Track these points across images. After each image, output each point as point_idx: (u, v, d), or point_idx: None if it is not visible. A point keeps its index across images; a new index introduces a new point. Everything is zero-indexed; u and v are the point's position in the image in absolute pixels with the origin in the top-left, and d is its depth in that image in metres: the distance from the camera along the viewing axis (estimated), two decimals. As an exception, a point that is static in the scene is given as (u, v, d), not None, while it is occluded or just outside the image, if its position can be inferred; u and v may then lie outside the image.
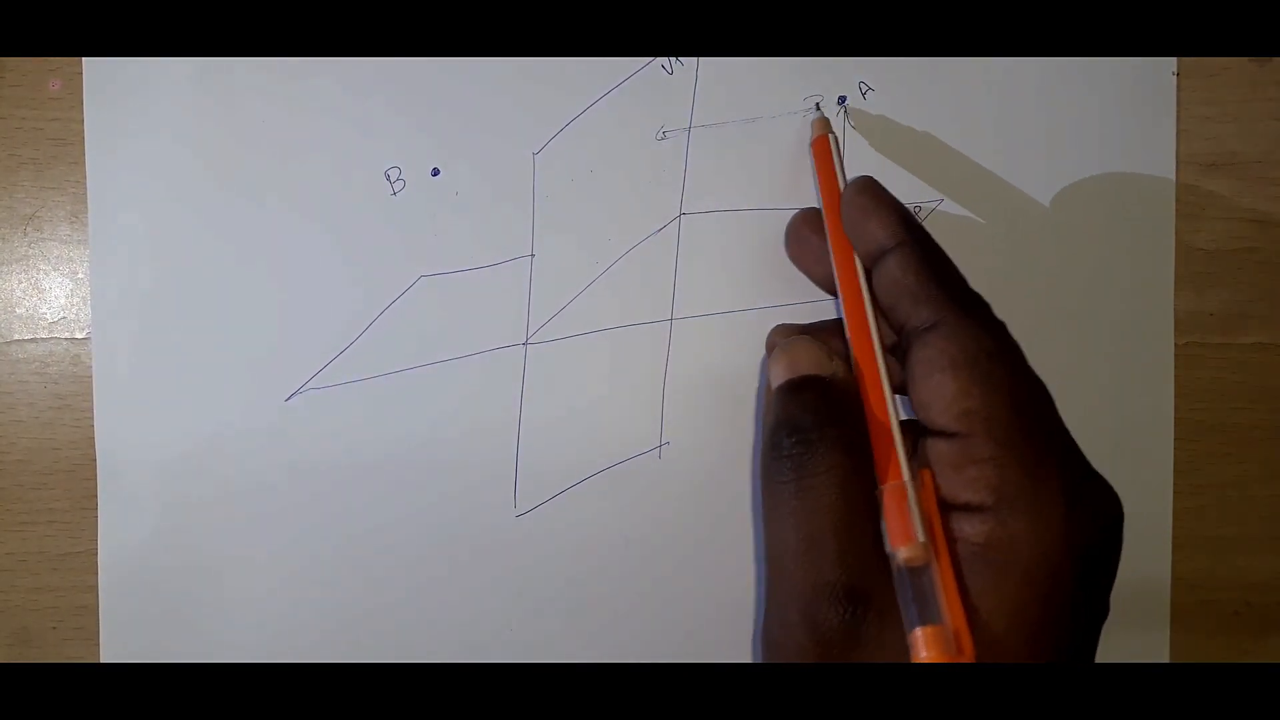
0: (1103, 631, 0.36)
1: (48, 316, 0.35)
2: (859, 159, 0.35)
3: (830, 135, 0.32)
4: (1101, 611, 0.26)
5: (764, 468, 0.27)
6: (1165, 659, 0.36)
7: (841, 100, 0.35)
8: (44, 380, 0.34)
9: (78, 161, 0.34)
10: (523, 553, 0.34)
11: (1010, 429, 0.24)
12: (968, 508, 0.24)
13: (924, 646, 0.23)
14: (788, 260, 0.35)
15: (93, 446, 0.34)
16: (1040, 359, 0.35)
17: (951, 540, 0.24)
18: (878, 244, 0.27)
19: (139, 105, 0.34)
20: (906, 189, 0.35)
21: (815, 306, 0.35)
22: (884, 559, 0.25)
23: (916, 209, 0.35)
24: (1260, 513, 0.36)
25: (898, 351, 0.28)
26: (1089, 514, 0.24)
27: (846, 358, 0.28)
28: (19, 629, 0.35)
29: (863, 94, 0.35)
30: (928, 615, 0.23)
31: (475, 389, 0.34)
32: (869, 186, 0.29)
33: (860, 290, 0.28)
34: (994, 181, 0.35)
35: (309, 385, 0.34)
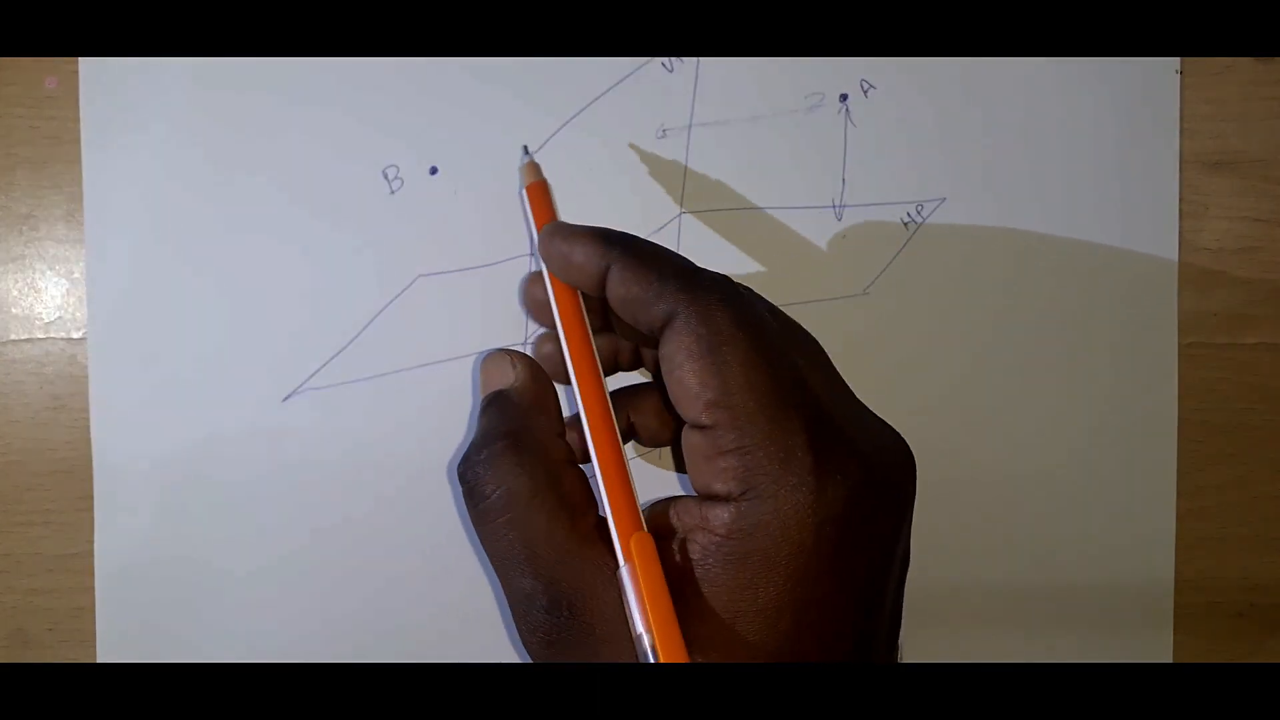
0: (1107, 632, 0.36)
1: (44, 316, 0.34)
2: (861, 158, 0.35)
3: (541, 181, 0.31)
4: (887, 565, 0.26)
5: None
6: (1169, 660, 0.36)
7: (843, 98, 0.35)
8: (40, 380, 0.34)
9: (74, 160, 0.34)
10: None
11: (752, 416, 0.24)
12: (716, 498, 0.25)
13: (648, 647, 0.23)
14: (789, 260, 0.35)
15: (89, 447, 0.34)
16: (1043, 358, 0.35)
17: (704, 532, 0.25)
18: (592, 272, 0.27)
19: (135, 104, 0.34)
20: (908, 188, 0.35)
21: (816, 306, 0.35)
22: (581, 555, 0.25)
23: (918, 207, 0.35)
24: (1264, 513, 0.36)
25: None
26: (838, 480, 0.24)
27: (532, 364, 0.29)
28: (15, 630, 0.35)
29: (864, 92, 0.35)
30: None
31: (475, 389, 0.34)
32: (556, 229, 0.29)
33: (577, 322, 0.28)
34: (996, 180, 0.35)
35: (306, 385, 0.34)
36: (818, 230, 0.35)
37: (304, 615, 0.34)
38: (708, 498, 0.25)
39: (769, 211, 0.35)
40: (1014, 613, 0.36)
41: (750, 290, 0.28)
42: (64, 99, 0.34)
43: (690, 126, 0.34)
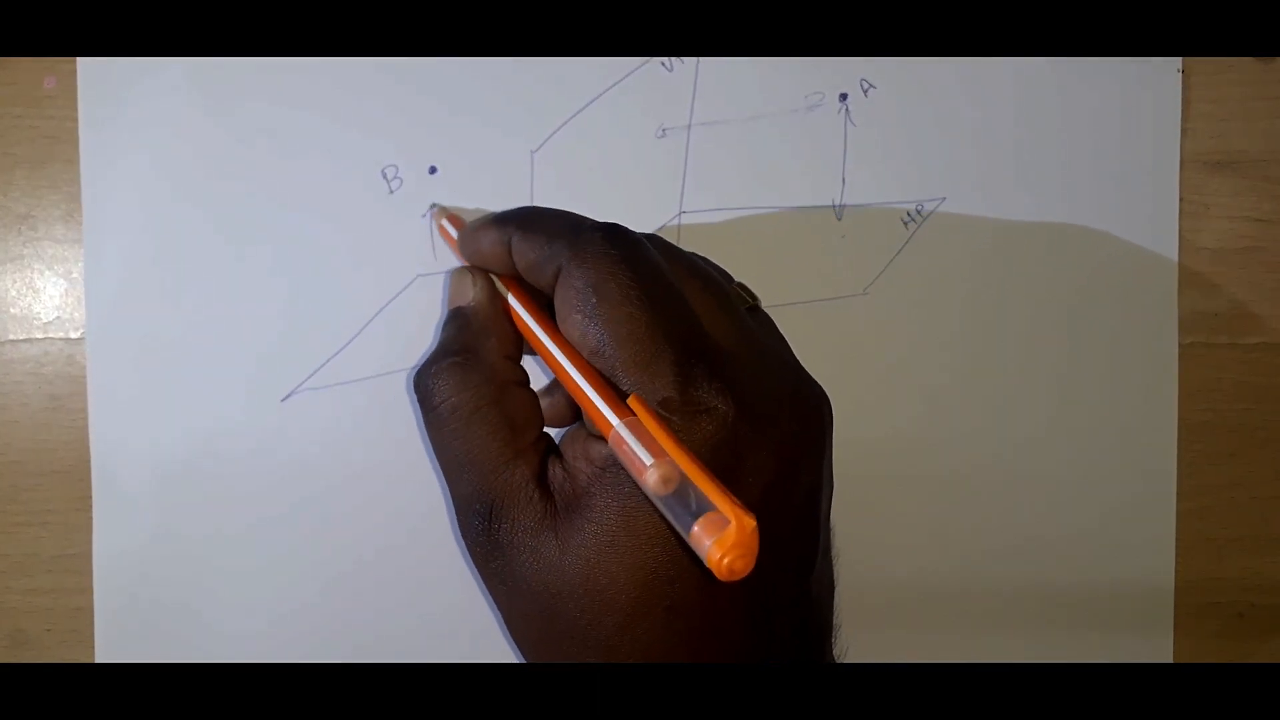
0: (1107, 632, 0.36)
1: (42, 316, 0.34)
2: (862, 156, 0.35)
3: (439, 219, 0.33)
4: (771, 503, 0.26)
5: None
6: (1169, 660, 0.36)
7: (843, 98, 0.35)
8: (39, 381, 0.34)
9: (72, 160, 0.34)
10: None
11: (625, 364, 0.25)
12: (598, 435, 0.26)
13: (703, 537, 0.22)
14: (789, 260, 0.35)
15: (87, 447, 0.34)
16: (1043, 358, 0.35)
17: (586, 462, 0.26)
18: (500, 253, 0.29)
19: (134, 104, 0.33)
20: (908, 187, 0.35)
21: (817, 305, 0.35)
22: (513, 467, 0.27)
23: (918, 207, 0.35)
24: (1265, 514, 0.36)
25: None
26: (703, 421, 0.25)
27: (490, 283, 0.30)
28: (13, 631, 0.35)
29: (864, 91, 0.35)
30: (697, 511, 0.23)
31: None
32: (465, 229, 0.30)
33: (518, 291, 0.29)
34: (997, 179, 0.35)
35: (305, 385, 0.34)
36: (818, 230, 0.35)
37: (302, 616, 0.34)
38: (592, 434, 0.26)
39: (769, 211, 0.35)
40: (1013, 613, 0.35)
41: (652, 236, 0.29)
42: (62, 99, 0.34)
43: (690, 126, 0.34)
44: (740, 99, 0.34)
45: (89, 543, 0.34)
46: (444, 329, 0.29)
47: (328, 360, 0.34)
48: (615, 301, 0.25)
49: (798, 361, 0.29)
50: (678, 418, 0.24)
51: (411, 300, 0.34)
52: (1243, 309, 0.36)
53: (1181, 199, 0.35)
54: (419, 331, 0.34)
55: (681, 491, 0.23)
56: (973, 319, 0.35)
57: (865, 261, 0.35)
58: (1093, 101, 0.35)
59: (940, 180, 0.35)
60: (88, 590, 0.34)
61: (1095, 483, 0.35)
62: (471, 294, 0.29)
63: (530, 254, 0.27)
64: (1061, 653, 0.35)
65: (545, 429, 0.29)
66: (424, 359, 0.28)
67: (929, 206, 0.35)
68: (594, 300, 0.26)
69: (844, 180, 0.35)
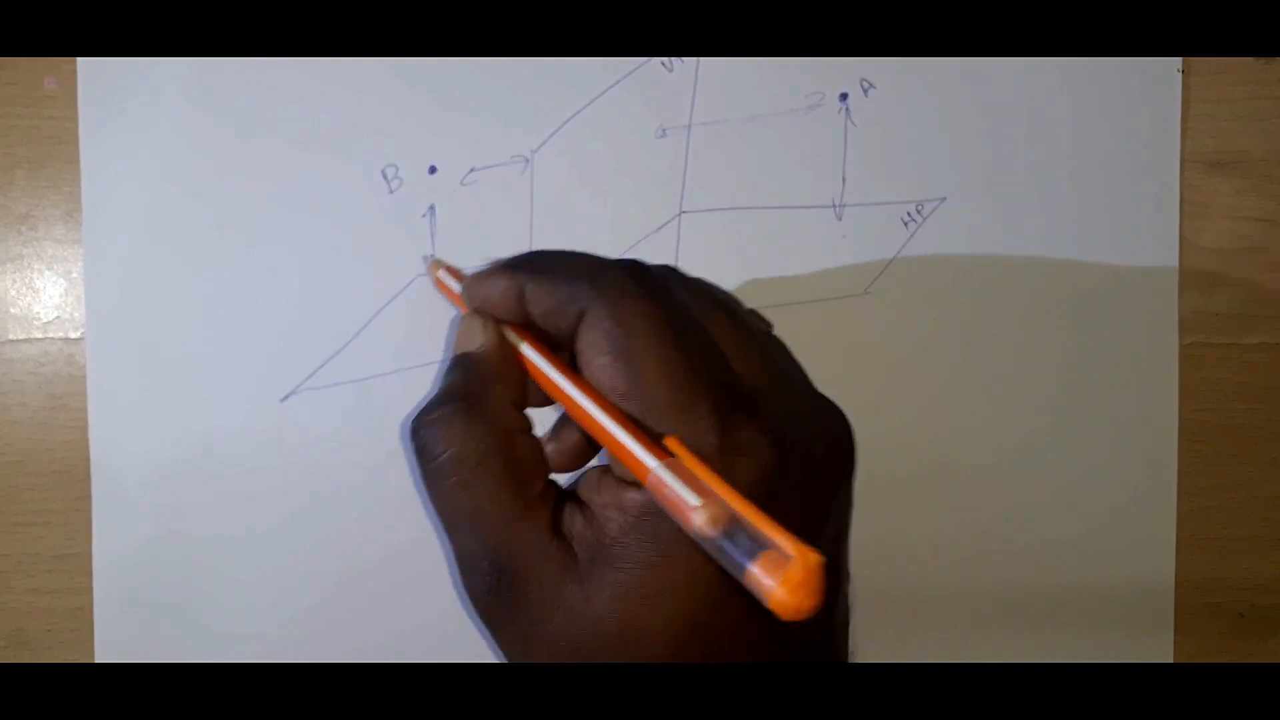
0: (1106, 632, 0.36)
1: (42, 316, 0.34)
2: (862, 157, 0.35)
3: (436, 272, 0.32)
4: (809, 538, 0.24)
5: None
6: (1169, 660, 0.36)
7: (843, 98, 0.35)
8: (39, 380, 0.34)
9: (72, 160, 0.34)
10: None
11: (659, 406, 0.25)
12: (631, 482, 0.25)
13: (764, 576, 0.22)
14: (789, 260, 0.35)
15: (87, 447, 0.34)
16: (1043, 359, 0.35)
17: (618, 510, 0.25)
18: (511, 303, 0.27)
19: (134, 103, 0.33)
20: (908, 187, 0.35)
21: (817, 305, 0.35)
22: (523, 521, 0.25)
23: (918, 207, 0.35)
24: (1265, 514, 0.36)
25: None
26: (747, 463, 0.24)
27: (499, 329, 0.28)
28: (13, 631, 0.35)
29: (864, 92, 0.35)
30: (751, 549, 0.22)
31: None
32: (471, 279, 0.29)
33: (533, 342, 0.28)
34: (997, 180, 0.35)
35: (305, 385, 0.34)
36: (818, 230, 0.35)
37: (302, 616, 0.34)
38: (623, 480, 0.25)
39: (769, 211, 0.35)
40: (1014, 613, 0.35)
41: (668, 268, 0.28)
42: (63, 99, 0.34)
43: (690, 126, 0.34)
44: (740, 99, 0.34)
45: (89, 543, 0.34)
46: (446, 375, 0.28)
47: (327, 360, 0.34)
48: (648, 342, 0.25)
49: (816, 390, 0.29)
50: (717, 459, 0.24)
51: (411, 300, 0.34)
52: (1243, 309, 0.36)
53: (1182, 199, 0.35)
54: (420, 332, 0.34)
55: (730, 532, 0.22)
56: (973, 319, 0.35)
57: (865, 261, 0.35)
58: (1093, 101, 0.35)
59: (940, 180, 0.35)
60: (88, 590, 0.34)
61: (1096, 483, 0.35)
62: (481, 339, 0.28)
63: (548, 299, 0.26)
64: (1061, 653, 0.35)
65: (551, 476, 0.27)
66: (421, 407, 0.27)
67: (929, 206, 0.35)
68: (624, 342, 0.25)
69: (844, 180, 0.35)
